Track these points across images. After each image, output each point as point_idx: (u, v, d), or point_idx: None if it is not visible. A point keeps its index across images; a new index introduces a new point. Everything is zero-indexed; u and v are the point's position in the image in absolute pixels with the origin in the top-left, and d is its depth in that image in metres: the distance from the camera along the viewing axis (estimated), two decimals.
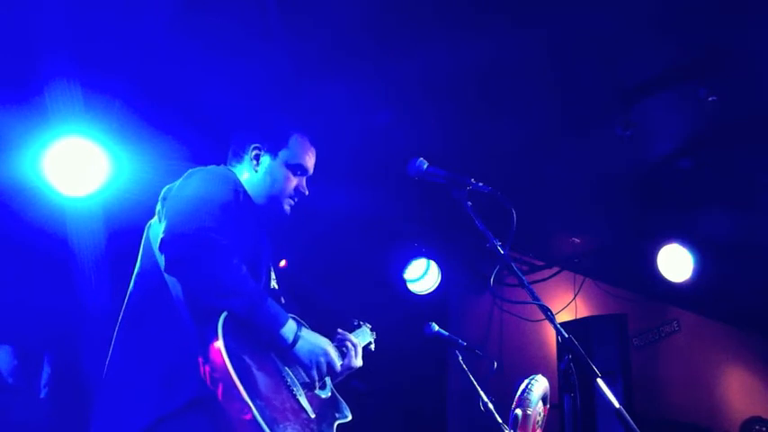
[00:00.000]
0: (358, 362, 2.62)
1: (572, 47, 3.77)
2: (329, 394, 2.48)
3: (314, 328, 2.43)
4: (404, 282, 5.91)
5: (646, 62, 3.95)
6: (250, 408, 1.92)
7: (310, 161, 2.68)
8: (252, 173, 2.59)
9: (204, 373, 1.99)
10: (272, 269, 2.64)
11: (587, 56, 3.86)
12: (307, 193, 2.66)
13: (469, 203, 2.34)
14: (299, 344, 2.24)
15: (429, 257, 5.96)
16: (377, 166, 4.76)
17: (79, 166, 3.93)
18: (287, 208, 2.62)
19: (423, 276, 6.02)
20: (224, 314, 2.06)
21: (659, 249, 5.99)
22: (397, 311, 5.40)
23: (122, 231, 4.13)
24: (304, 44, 3.73)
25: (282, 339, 2.20)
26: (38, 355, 4.66)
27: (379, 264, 5.80)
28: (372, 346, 3.00)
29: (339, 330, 2.67)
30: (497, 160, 4.82)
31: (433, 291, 6.03)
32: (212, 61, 3.84)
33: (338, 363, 2.38)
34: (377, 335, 3.08)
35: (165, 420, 2.01)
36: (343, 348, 2.62)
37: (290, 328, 2.22)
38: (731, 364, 8.47)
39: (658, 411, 7.32)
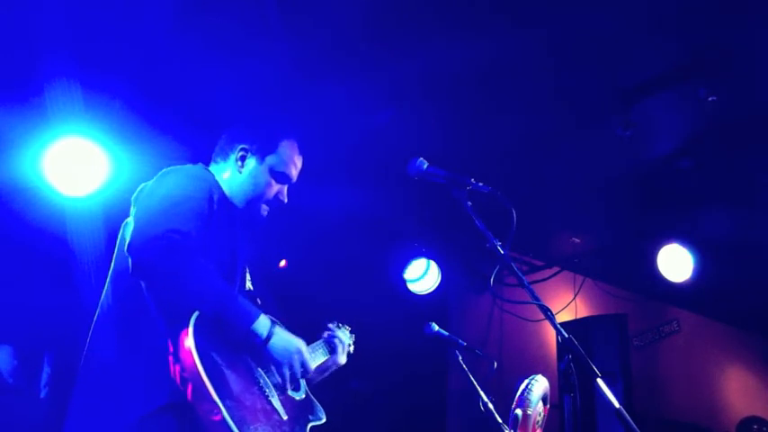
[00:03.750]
0: (342, 359, 2.69)
1: (572, 47, 3.77)
2: (303, 396, 2.46)
3: (293, 329, 2.41)
4: (404, 282, 5.92)
5: (646, 62, 3.95)
6: (219, 408, 1.90)
7: (296, 170, 2.64)
8: (235, 173, 2.55)
9: (174, 373, 1.97)
10: (248, 270, 2.61)
11: (587, 56, 3.86)
12: (286, 201, 2.62)
13: (469, 203, 2.34)
14: (273, 340, 2.18)
15: (429, 257, 5.97)
16: (377, 166, 4.76)
17: (79, 166, 3.93)
18: (263, 212, 2.58)
19: (423, 276, 6.02)
20: (196, 314, 2.03)
21: (659, 249, 5.98)
22: (397, 311, 5.40)
23: None
24: (304, 44, 3.73)
25: (255, 335, 2.14)
26: (38, 355, 4.66)
27: (379, 264, 5.80)
28: (351, 349, 2.97)
29: (329, 325, 2.70)
30: (497, 160, 4.82)
31: (433, 291, 6.03)
32: (212, 61, 3.84)
33: (312, 363, 2.34)
34: (367, 336, 3.09)
35: (135, 424, 1.98)
36: (331, 344, 2.70)
37: (263, 325, 2.17)
38: (731, 364, 8.47)
39: (658, 411, 7.32)
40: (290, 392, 2.36)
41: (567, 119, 4.51)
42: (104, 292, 2.33)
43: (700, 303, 7.86)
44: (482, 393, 3.11)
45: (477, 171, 2.56)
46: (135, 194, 2.36)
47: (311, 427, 2.40)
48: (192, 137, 4.08)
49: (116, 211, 4.00)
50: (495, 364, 3.39)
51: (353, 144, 4.62)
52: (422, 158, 2.51)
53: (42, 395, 4.62)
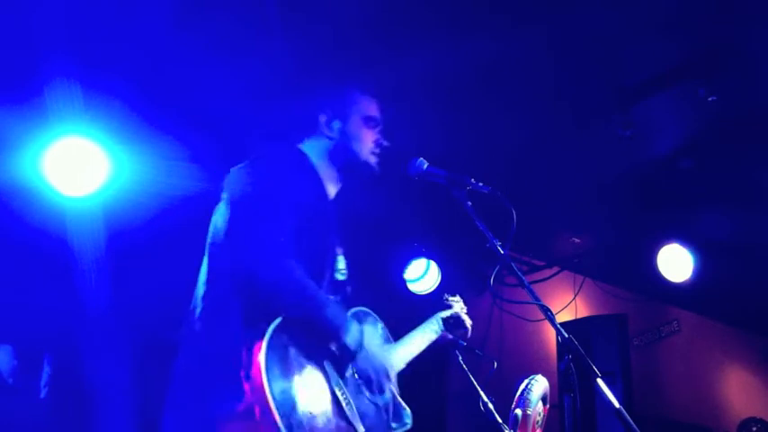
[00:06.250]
0: (468, 322, 3.24)
1: (572, 47, 3.77)
2: (387, 398, 2.45)
3: (392, 313, 2.44)
4: (404, 282, 5.91)
5: (646, 62, 3.95)
6: None
7: (376, 109, 2.66)
8: (327, 141, 2.55)
9: (245, 391, 1.98)
10: (343, 255, 2.61)
11: (587, 56, 3.86)
12: (386, 143, 2.64)
13: (469, 203, 2.34)
14: (361, 355, 2.27)
15: (429, 257, 5.96)
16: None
17: (79, 166, 3.93)
18: (373, 162, 2.60)
19: (423, 276, 6.02)
20: (275, 323, 2.04)
21: (659, 249, 5.98)
22: (397, 311, 5.39)
23: (122, 231, 4.13)
24: (304, 43, 3.73)
25: (346, 348, 2.22)
26: (38, 355, 4.66)
27: (380, 264, 5.79)
28: (465, 316, 3.29)
29: (446, 296, 3.15)
30: (497, 160, 4.82)
31: (433, 291, 6.02)
32: (212, 61, 3.84)
33: (393, 384, 2.47)
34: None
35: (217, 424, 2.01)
36: (451, 320, 3.13)
37: (352, 338, 2.23)
38: (731, 364, 8.47)
39: (658, 411, 7.32)
40: (373, 397, 2.37)
41: (567, 119, 4.51)
42: (205, 264, 2.32)
43: (700, 303, 7.85)
44: (482, 393, 3.11)
45: (477, 171, 2.56)
46: (226, 179, 2.39)
47: None
48: (193, 137, 4.08)
49: (116, 211, 4.03)
50: (495, 364, 3.39)
51: None
52: (422, 158, 2.52)
53: (42, 395, 4.62)
